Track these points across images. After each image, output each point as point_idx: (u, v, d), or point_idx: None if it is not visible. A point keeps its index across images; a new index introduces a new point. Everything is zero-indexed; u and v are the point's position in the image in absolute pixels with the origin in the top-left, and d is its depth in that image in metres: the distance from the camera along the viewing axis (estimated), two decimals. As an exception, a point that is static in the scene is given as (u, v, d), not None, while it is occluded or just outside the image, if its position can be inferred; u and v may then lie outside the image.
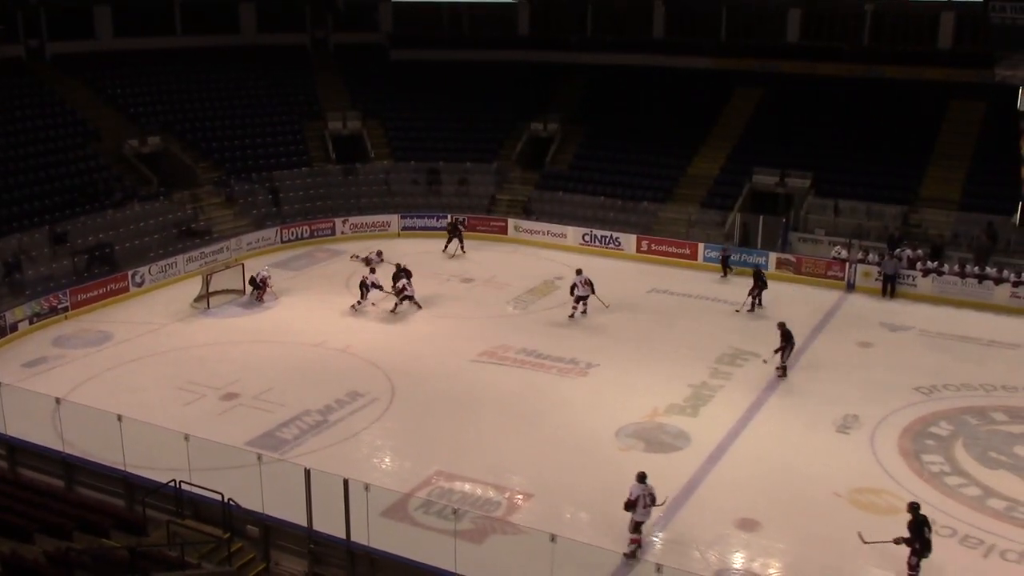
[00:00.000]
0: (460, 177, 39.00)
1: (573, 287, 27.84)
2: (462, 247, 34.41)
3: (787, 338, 23.52)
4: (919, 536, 15.41)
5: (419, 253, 34.40)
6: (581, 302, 27.80)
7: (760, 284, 28.72)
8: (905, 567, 15.64)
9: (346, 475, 15.75)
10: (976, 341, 26.56)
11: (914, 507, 15.84)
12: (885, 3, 38.04)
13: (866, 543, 16.07)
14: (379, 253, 33.00)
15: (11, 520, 14.93)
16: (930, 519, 15.82)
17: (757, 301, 28.68)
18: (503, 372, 24.20)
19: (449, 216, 35.91)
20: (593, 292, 27.86)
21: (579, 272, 28.09)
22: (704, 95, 40.30)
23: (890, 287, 30.12)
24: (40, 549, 14.17)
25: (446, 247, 34.41)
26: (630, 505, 16.20)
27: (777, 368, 23.75)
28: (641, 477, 16.42)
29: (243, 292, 29.42)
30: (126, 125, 36.81)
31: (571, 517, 17.76)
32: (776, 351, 23.63)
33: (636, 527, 16.31)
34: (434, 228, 36.52)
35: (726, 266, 32.28)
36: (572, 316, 27.81)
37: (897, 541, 15.56)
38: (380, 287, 28.43)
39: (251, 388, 22.97)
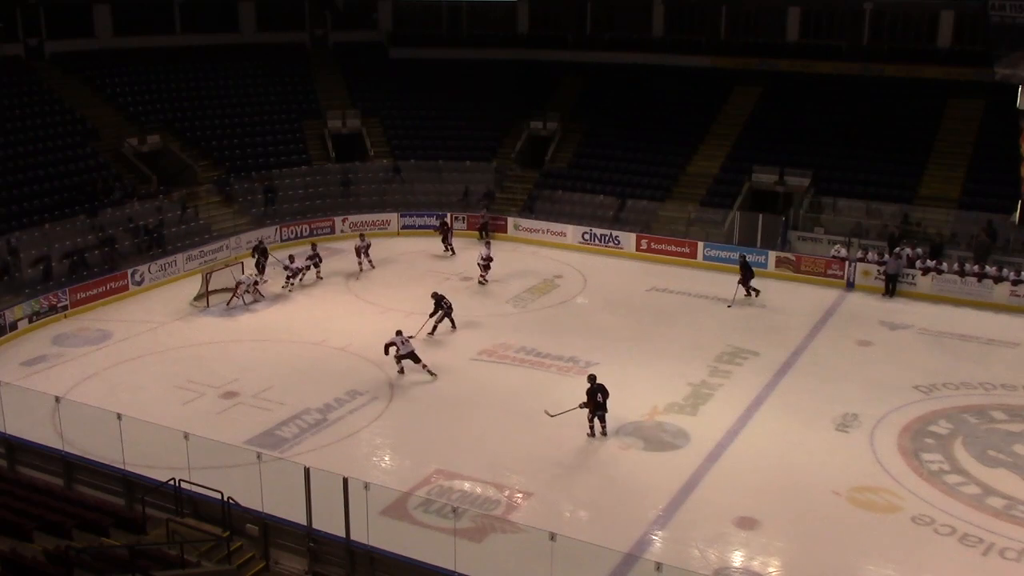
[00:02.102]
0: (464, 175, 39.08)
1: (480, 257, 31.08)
2: (449, 248, 34.25)
3: (439, 305, 26.25)
4: (592, 400, 19.99)
5: (419, 252, 34.45)
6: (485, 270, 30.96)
7: (746, 273, 29.38)
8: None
9: (346, 474, 15.76)
10: (975, 340, 26.57)
11: (591, 378, 20.29)
12: (884, 2, 38.04)
13: (552, 416, 20.32)
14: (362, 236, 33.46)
15: (11, 518, 14.92)
16: (607, 389, 20.18)
17: (750, 291, 29.34)
18: (503, 370, 24.21)
19: (437, 217, 35.98)
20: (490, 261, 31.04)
21: (487, 245, 31.73)
22: (703, 93, 40.30)
23: (892, 286, 30.13)
24: (40, 547, 14.16)
25: (447, 248, 34.38)
26: (388, 347, 23.26)
27: (429, 332, 26.26)
28: (398, 333, 23.31)
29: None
30: (125, 123, 36.80)
31: (570, 516, 17.78)
32: (431, 316, 26.14)
33: (399, 359, 23.23)
34: (434, 227, 36.47)
35: (445, 233, 34.66)
36: (481, 282, 30.99)
37: (581, 406, 20.07)
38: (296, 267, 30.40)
39: (250, 387, 22.98)
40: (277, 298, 29.52)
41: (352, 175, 38.73)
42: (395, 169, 38.85)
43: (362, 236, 32.87)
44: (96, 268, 29.54)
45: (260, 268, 30.70)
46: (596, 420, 20.33)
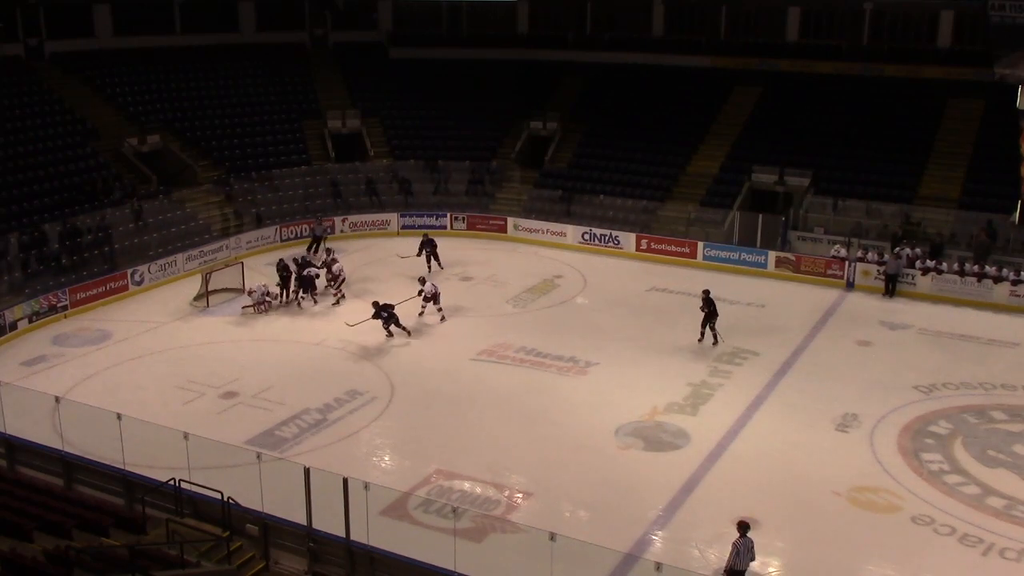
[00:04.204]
0: (468, 176, 38.99)
1: (420, 292, 27.41)
2: (439, 263, 32.10)
3: (285, 275, 28.59)
4: (378, 316, 25.43)
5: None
6: (430, 302, 27.32)
7: (710, 312, 25.63)
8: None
9: (345, 474, 15.77)
10: (975, 340, 26.57)
11: (375, 304, 25.69)
12: (884, 2, 38.06)
13: (351, 326, 25.90)
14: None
15: (10, 518, 14.93)
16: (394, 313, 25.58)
17: (715, 335, 25.73)
18: (502, 371, 24.21)
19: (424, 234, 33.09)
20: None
21: (422, 280, 27.68)
22: (703, 93, 40.32)
23: (892, 286, 30.14)
24: (39, 547, 14.18)
25: (429, 267, 31.78)
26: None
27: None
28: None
29: (243, 291, 29.35)
30: (125, 123, 36.80)
31: (570, 515, 17.78)
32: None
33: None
34: (433, 227, 36.51)
35: (315, 241, 33.95)
36: (421, 314, 27.41)
37: (373, 316, 25.65)
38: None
39: (250, 387, 22.98)
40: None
41: (404, 174, 38.65)
42: (400, 180, 38.53)
43: (329, 250, 30.86)
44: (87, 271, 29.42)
45: (284, 286, 28.90)
46: (391, 328, 26.01)
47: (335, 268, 29.07)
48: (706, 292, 25.96)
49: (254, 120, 39.74)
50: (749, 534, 14.84)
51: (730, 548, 14.94)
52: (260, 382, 23.24)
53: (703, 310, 25.73)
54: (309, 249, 33.28)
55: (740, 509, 17.59)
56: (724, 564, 15.09)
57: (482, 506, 17.93)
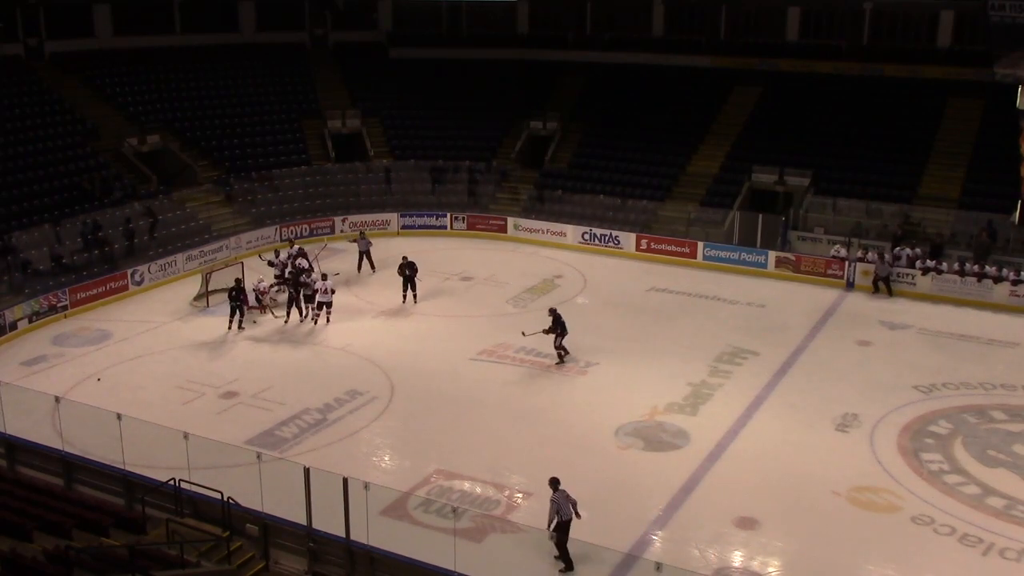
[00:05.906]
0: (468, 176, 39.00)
1: (315, 293, 26.87)
2: (414, 295, 29.13)
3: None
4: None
5: (418, 252, 34.28)
6: (324, 308, 26.95)
7: (558, 329, 24.26)
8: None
9: (345, 474, 15.77)
10: (975, 340, 26.57)
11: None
12: (884, 2, 38.06)
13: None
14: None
15: (10, 518, 14.94)
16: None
17: (562, 348, 24.49)
18: (502, 370, 24.21)
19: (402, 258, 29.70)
20: (332, 293, 27.06)
21: (324, 277, 27.27)
22: (703, 93, 40.34)
23: (886, 287, 30.12)
24: (39, 547, 14.19)
25: (404, 297, 29.12)
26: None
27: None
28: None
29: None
30: (125, 123, 36.80)
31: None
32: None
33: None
34: (433, 227, 36.53)
35: (362, 256, 32.12)
36: (315, 322, 26.94)
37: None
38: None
39: (250, 387, 22.98)
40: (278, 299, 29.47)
41: (394, 173, 38.67)
42: (387, 179, 38.58)
43: (294, 244, 30.27)
44: (86, 271, 29.27)
45: (294, 296, 27.45)
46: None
47: (310, 279, 27.66)
48: (552, 311, 24.55)
49: (254, 120, 39.74)
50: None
51: (549, 506, 15.62)
52: (260, 382, 23.24)
53: (551, 330, 24.29)
54: (359, 268, 32.25)
55: (740, 509, 17.63)
56: (547, 524, 15.58)
57: (482, 506, 17.93)
